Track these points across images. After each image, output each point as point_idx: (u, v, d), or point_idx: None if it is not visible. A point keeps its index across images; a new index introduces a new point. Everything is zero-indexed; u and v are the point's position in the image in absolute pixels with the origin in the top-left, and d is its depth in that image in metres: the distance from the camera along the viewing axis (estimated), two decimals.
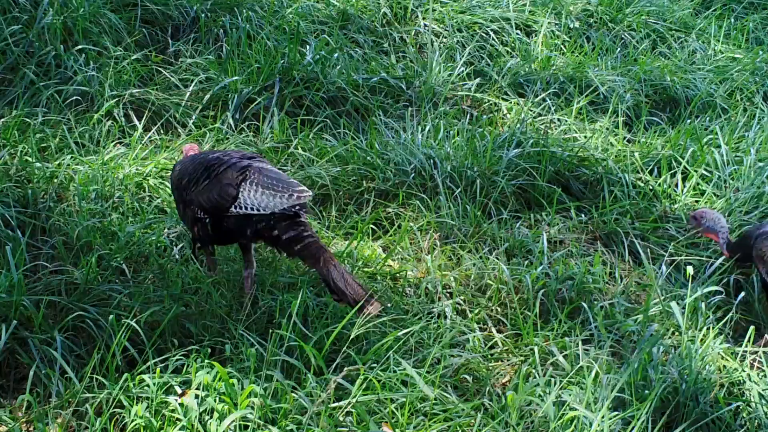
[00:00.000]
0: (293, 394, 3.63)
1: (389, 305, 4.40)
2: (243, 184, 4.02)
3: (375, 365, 3.90)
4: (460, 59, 6.57)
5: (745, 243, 4.68)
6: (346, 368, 3.68)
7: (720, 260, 4.86)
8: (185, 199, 4.14)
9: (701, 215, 4.89)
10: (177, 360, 3.80)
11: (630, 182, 5.54)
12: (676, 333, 4.42)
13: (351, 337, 3.94)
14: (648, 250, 5.10)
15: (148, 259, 4.48)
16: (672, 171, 5.70)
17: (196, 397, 3.58)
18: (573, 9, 7.44)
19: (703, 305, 4.48)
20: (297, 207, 3.99)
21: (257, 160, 4.17)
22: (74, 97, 5.47)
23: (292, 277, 4.40)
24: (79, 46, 5.72)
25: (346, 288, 3.91)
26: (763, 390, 4.10)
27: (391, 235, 4.95)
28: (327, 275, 3.93)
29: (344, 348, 3.95)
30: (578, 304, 4.53)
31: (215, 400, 3.59)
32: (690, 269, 4.50)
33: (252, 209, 4.00)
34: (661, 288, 4.69)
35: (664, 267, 4.86)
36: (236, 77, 5.79)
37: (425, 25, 6.91)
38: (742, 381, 4.15)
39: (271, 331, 3.94)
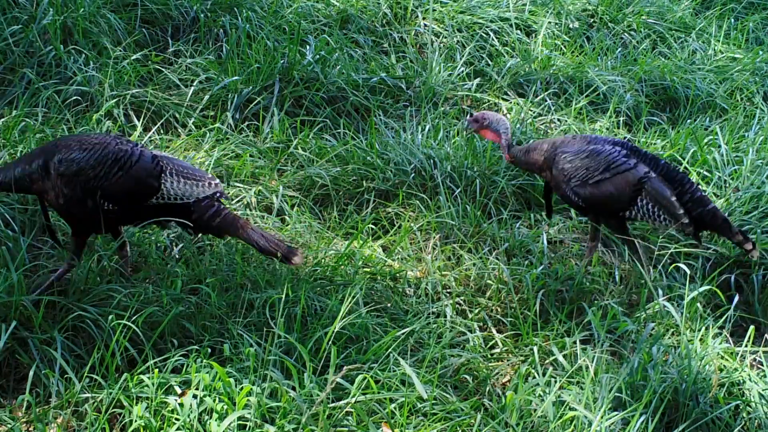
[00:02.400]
0: (289, 394, 3.63)
1: (389, 305, 4.41)
2: (163, 175, 4.16)
3: (374, 365, 3.90)
4: (460, 59, 6.57)
5: (537, 156, 4.79)
6: (345, 368, 3.68)
7: (704, 250, 4.87)
8: (86, 190, 4.10)
9: (483, 116, 4.95)
10: (176, 360, 3.80)
11: None
12: (675, 333, 4.42)
13: (348, 336, 3.95)
14: (647, 250, 5.11)
15: (147, 259, 4.48)
16: None
17: (195, 396, 3.58)
18: (573, 9, 7.44)
19: (700, 305, 4.48)
20: (218, 194, 4.24)
21: (140, 146, 4.26)
22: (74, 97, 5.47)
23: (292, 278, 4.40)
24: (79, 46, 5.72)
25: (269, 244, 4.19)
26: (763, 390, 4.10)
27: (391, 235, 4.95)
28: (249, 238, 4.21)
29: (337, 347, 3.95)
30: (578, 304, 4.54)
31: (214, 400, 3.59)
32: (683, 268, 4.51)
33: (175, 199, 4.17)
34: (662, 288, 4.69)
35: (664, 267, 4.86)
36: (236, 77, 5.79)
37: (425, 25, 6.91)
38: (742, 381, 4.15)
39: (265, 330, 3.94)
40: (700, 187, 4.65)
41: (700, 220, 4.60)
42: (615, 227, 4.76)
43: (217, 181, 4.25)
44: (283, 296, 4.03)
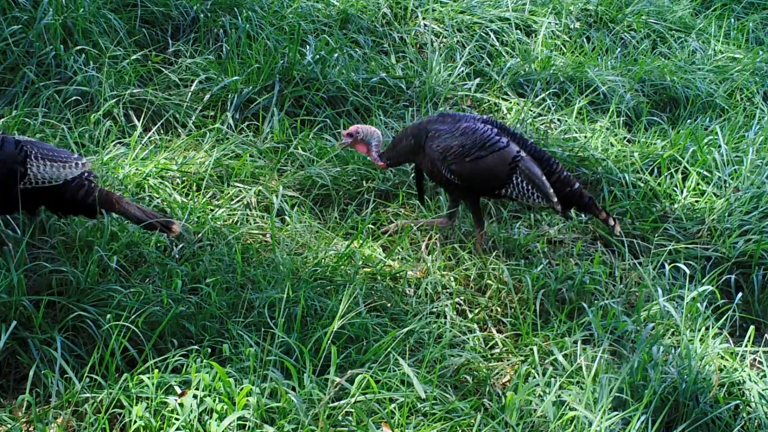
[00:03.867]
0: (288, 395, 3.62)
1: (389, 305, 4.41)
2: (28, 160, 4.14)
3: (374, 365, 3.90)
4: (460, 59, 6.57)
5: (407, 143, 4.84)
6: (349, 371, 3.68)
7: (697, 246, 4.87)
8: None
9: (356, 131, 5.00)
10: (176, 360, 3.80)
11: (630, 182, 5.54)
12: (675, 333, 4.42)
13: (348, 336, 3.94)
14: (648, 250, 5.11)
15: (147, 259, 4.48)
16: (672, 171, 5.71)
17: (195, 396, 3.58)
18: (573, 9, 7.44)
19: (700, 305, 4.48)
20: (86, 174, 4.25)
21: (1, 132, 4.26)
22: (74, 97, 5.46)
23: (293, 278, 4.40)
24: (79, 46, 5.72)
25: (147, 216, 4.26)
26: (763, 390, 4.10)
27: (391, 235, 4.95)
28: (126, 211, 4.26)
29: (337, 347, 3.95)
30: (578, 304, 4.54)
31: (214, 400, 3.59)
32: (683, 268, 4.51)
33: (44, 182, 4.17)
34: (663, 288, 4.69)
35: (666, 267, 4.86)
36: (236, 77, 5.79)
37: (425, 25, 6.91)
38: (742, 381, 4.15)
39: (263, 330, 3.94)
40: (563, 167, 4.83)
41: (567, 199, 4.73)
42: (474, 202, 4.84)
43: (85, 160, 4.26)
44: (284, 296, 4.03)
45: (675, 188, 5.62)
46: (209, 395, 3.61)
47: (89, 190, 4.23)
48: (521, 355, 4.29)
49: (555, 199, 4.63)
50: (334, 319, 3.90)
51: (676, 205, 5.48)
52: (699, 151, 5.78)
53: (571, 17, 7.35)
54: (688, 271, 4.55)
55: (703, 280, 4.79)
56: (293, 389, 3.70)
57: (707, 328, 4.36)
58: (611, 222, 4.78)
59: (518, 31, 7.04)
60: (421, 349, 4.16)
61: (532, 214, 5.28)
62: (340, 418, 3.65)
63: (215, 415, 3.55)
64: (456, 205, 4.89)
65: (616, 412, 3.80)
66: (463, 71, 6.50)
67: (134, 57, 5.83)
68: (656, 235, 5.19)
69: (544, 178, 4.64)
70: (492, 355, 4.33)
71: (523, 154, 4.66)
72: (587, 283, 4.70)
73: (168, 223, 4.27)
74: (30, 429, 3.67)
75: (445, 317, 4.39)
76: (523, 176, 4.63)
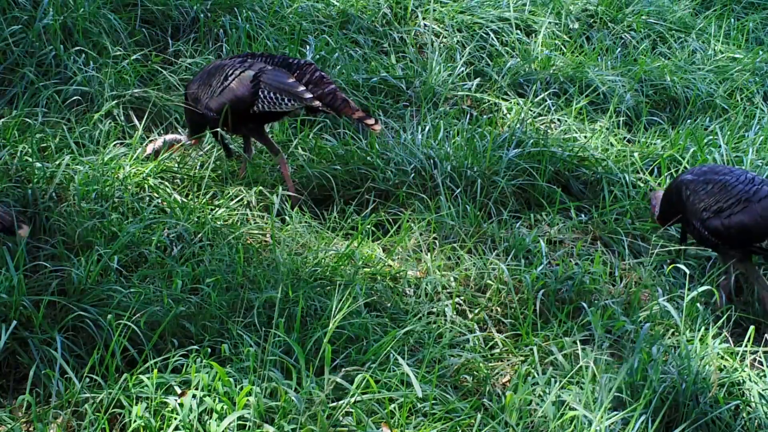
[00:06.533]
0: (287, 395, 3.62)
1: (389, 305, 4.41)
2: None
3: (374, 365, 3.90)
4: (460, 59, 6.57)
5: (187, 102, 5.18)
6: (344, 369, 3.69)
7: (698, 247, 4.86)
8: None
9: (152, 149, 5.19)
10: (176, 360, 3.80)
11: (630, 182, 5.54)
12: (675, 333, 4.42)
13: (348, 336, 3.94)
14: (648, 250, 5.12)
15: (147, 259, 4.48)
16: (672, 171, 5.71)
17: (195, 396, 3.58)
18: (573, 9, 7.44)
19: (700, 305, 4.48)
20: None
21: None
22: (74, 97, 5.46)
23: (293, 278, 4.40)
24: (79, 46, 5.72)
25: None
26: (763, 390, 4.10)
27: (391, 236, 4.95)
28: None
29: (336, 347, 3.95)
30: (578, 304, 4.54)
31: (214, 400, 3.59)
32: (683, 268, 4.51)
33: None
34: (663, 288, 4.69)
35: (665, 267, 4.86)
36: None
37: (425, 25, 6.91)
38: (742, 381, 4.15)
39: (262, 330, 3.95)
40: (322, 71, 5.05)
41: (321, 100, 4.91)
42: (253, 130, 5.09)
43: None
44: (279, 295, 4.02)
45: None
46: (209, 395, 3.62)
47: None
48: (521, 355, 4.29)
49: (307, 96, 4.83)
50: (334, 320, 3.90)
51: None
52: (699, 151, 5.78)
53: (570, 17, 7.35)
54: (687, 271, 4.55)
55: (703, 280, 4.80)
56: (294, 390, 3.70)
57: (707, 328, 4.36)
58: (371, 121, 4.95)
59: (518, 31, 7.04)
60: (421, 349, 4.16)
61: (532, 215, 5.28)
62: (339, 417, 3.65)
63: (215, 415, 3.55)
64: (248, 142, 5.24)
65: (615, 412, 3.80)
66: (463, 71, 6.50)
67: (134, 57, 5.83)
68: (656, 235, 5.19)
69: (292, 80, 4.87)
70: (492, 355, 4.33)
71: (267, 68, 4.91)
72: (587, 283, 4.70)
73: (14, 226, 4.20)
74: (30, 429, 3.67)
75: (445, 317, 4.39)
76: (269, 88, 4.87)
